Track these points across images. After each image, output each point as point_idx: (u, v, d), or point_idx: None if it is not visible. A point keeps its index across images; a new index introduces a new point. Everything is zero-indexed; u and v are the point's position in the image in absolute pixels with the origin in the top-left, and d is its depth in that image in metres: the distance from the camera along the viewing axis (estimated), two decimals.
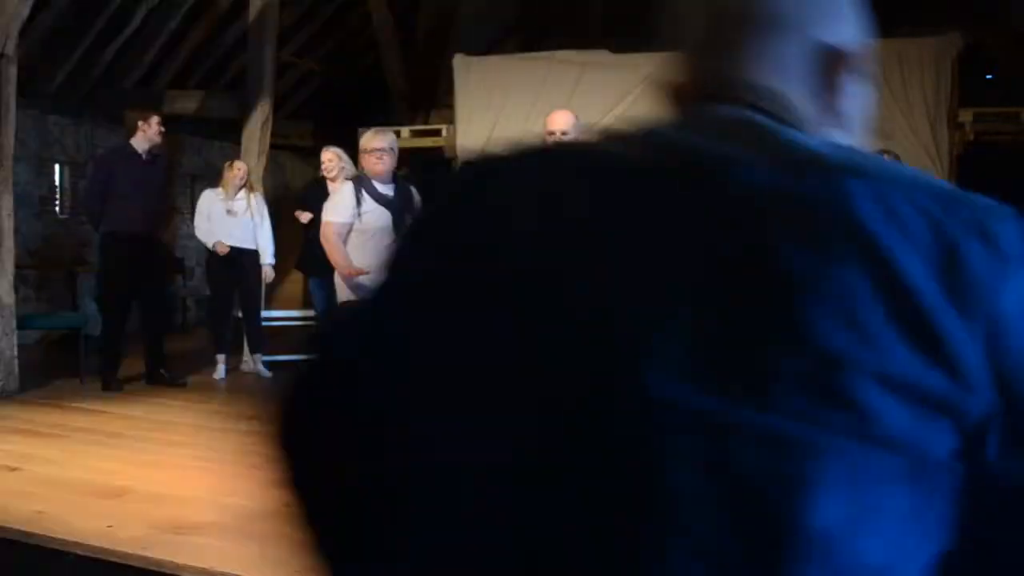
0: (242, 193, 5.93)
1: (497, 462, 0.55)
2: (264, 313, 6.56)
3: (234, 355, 6.07)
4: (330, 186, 5.57)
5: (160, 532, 2.77)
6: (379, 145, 4.21)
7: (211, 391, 5.55)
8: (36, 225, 7.85)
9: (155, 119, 5.46)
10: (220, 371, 5.93)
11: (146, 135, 5.42)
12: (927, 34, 7.26)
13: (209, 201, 5.87)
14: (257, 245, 5.97)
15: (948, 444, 0.51)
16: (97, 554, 2.63)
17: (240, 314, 6.10)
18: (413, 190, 4.35)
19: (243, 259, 5.87)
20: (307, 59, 9.93)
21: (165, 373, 5.61)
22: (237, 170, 5.91)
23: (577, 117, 4.01)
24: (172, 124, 6.79)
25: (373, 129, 4.33)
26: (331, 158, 5.86)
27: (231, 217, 5.85)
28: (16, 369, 5.16)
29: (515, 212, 0.60)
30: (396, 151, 4.29)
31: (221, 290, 5.92)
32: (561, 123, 3.90)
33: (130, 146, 5.45)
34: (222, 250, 5.75)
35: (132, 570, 2.56)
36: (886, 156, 5.34)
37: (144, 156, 5.44)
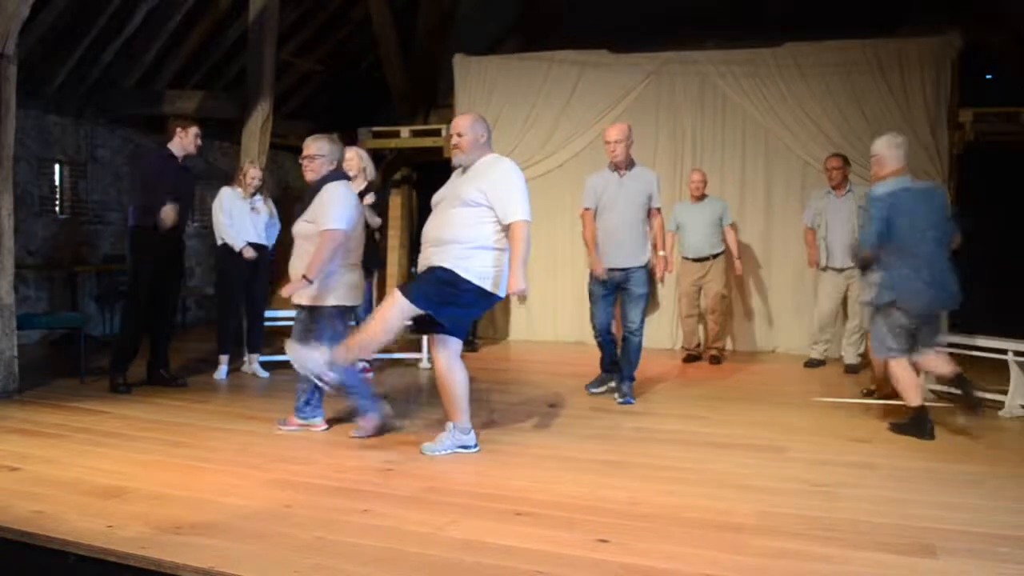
0: (258, 196, 6.01)
1: None
2: (265, 313, 6.56)
3: (236, 356, 6.07)
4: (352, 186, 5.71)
5: (160, 532, 2.77)
6: (305, 152, 4.26)
7: (211, 391, 5.55)
8: (36, 225, 7.85)
9: (193, 129, 5.48)
10: (222, 371, 5.94)
11: (182, 143, 5.47)
12: (927, 34, 7.26)
13: (230, 199, 5.90)
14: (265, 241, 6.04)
15: None
16: (97, 554, 2.63)
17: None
18: (327, 191, 4.17)
19: (257, 257, 5.91)
20: (307, 59, 9.93)
21: (165, 373, 5.62)
22: (251, 177, 5.98)
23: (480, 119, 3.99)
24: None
25: (314, 135, 4.35)
26: (351, 157, 5.91)
27: (255, 215, 5.93)
28: (16, 369, 5.16)
29: None
30: (328, 157, 4.24)
31: (232, 289, 5.93)
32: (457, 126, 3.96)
33: (168, 149, 5.46)
34: (249, 255, 5.83)
35: (132, 570, 2.56)
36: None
37: (179, 161, 5.51)
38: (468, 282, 3.75)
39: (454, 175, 4.05)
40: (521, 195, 3.81)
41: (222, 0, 8.25)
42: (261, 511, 3.03)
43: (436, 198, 4.00)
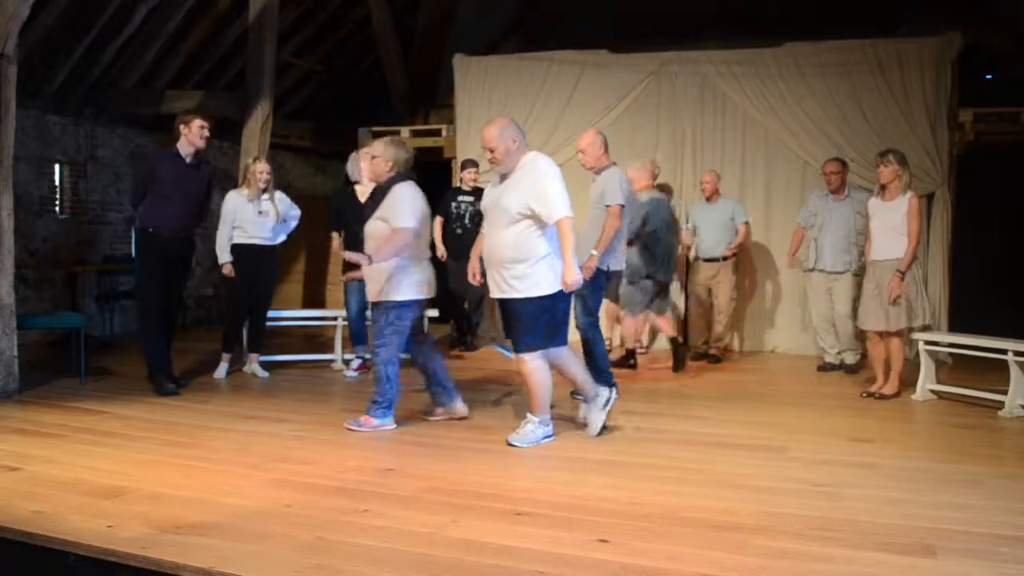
0: (266, 195, 5.92)
1: None
2: (268, 314, 6.53)
3: (238, 356, 6.06)
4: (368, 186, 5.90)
5: (160, 532, 2.77)
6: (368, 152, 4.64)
7: (211, 391, 5.54)
8: (36, 225, 7.86)
9: (196, 122, 5.33)
10: (222, 370, 5.92)
11: (188, 139, 5.33)
12: (927, 34, 7.26)
13: (235, 204, 5.84)
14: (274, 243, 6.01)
15: None
16: (97, 554, 2.63)
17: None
18: (395, 191, 4.38)
19: (264, 257, 5.89)
20: (307, 59, 9.93)
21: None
22: (260, 171, 5.89)
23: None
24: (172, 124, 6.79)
25: (378, 138, 4.69)
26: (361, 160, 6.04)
27: (263, 218, 5.86)
28: (16, 369, 5.16)
29: None
30: (383, 158, 4.43)
31: (239, 289, 5.89)
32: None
33: (175, 149, 5.36)
34: (227, 272, 5.83)
35: (132, 570, 2.56)
36: (891, 156, 5.34)
37: (188, 160, 5.38)
38: (543, 297, 3.98)
39: (492, 180, 4.27)
40: (558, 193, 3.91)
41: (222, 0, 8.24)
42: (261, 511, 3.03)
43: (484, 205, 4.25)
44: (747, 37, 7.80)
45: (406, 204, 4.32)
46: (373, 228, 4.39)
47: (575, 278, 3.91)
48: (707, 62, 7.82)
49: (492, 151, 4.00)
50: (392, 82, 9.77)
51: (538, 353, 4.06)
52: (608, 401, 4.32)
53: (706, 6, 8.70)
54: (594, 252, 5.17)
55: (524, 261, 3.96)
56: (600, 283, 5.26)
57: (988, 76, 8.59)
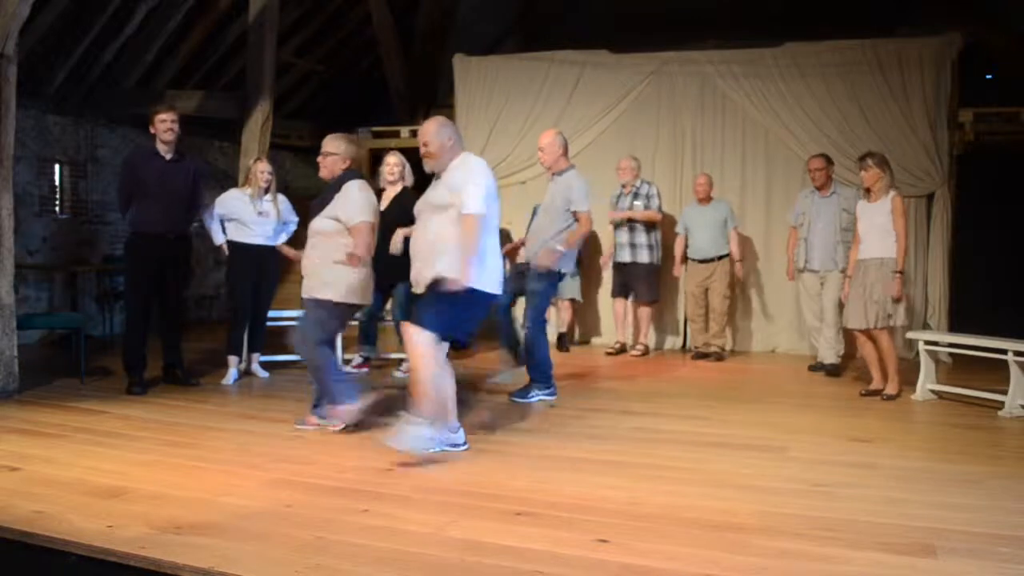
0: (268, 195, 5.84)
1: None
2: (268, 314, 6.50)
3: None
4: (390, 190, 5.96)
5: (160, 532, 2.76)
6: (321, 150, 4.42)
7: (211, 391, 5.52)
8: (36, 225, 7.86)
9: (158, 117, 5.25)
10: (231, 376, 5.79)
11: (158, 136, 5.28)
12: (927, 34, 7.26)
13: (233, 201, 5.76)
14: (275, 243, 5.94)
15: None
16: (97, 554, 2.63)
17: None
18: (349, 188, 4.27)
19: (267, 257, 5.84)
20: (307, 59, 9.94)
21: (180, 373, 5.58)
22: (261, 171, 5.82)
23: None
24: None
25: (332, 134, 4.53)
26: (395, 162, 6.04)
27: (263, 218, 5.78)
28: (16, 369, 5.16)
29: None
30: (341, 155, 4.36)
31: (244, 289, 5.81)
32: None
33: (154, 148, 5.31)
34: (224, 254, 5.83)
35: (132, 570, 2.56)
36: (869, 160, 5.35)
37: (167, 156, 5.31)
38: (464, 290, 3.69)
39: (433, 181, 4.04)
40: (477, 189, 3.73)
41: (222, 0, 8.25)
42: (261, 511, 3.03)
43: (416, 208, 4.03)
44: (747, 37, 7.81)
45: (362, 202, 4.25)
46: (321, 225, 4.28)
47: (457, 282, 3.61)
48: (707, 62, 7.82)
49: (426, 145, 3.87)
50: (392, 82, 9.78)
51: (432, 339, 3.71)
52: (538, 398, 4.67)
53: (706, 6, 8.71)
54: (559, 248, 5.06)
55: (452, 250, 3.70)
56: (555, 284, 5.23)
57: (988, 76, 8.60)
